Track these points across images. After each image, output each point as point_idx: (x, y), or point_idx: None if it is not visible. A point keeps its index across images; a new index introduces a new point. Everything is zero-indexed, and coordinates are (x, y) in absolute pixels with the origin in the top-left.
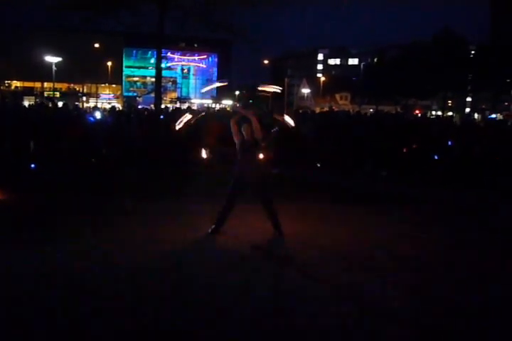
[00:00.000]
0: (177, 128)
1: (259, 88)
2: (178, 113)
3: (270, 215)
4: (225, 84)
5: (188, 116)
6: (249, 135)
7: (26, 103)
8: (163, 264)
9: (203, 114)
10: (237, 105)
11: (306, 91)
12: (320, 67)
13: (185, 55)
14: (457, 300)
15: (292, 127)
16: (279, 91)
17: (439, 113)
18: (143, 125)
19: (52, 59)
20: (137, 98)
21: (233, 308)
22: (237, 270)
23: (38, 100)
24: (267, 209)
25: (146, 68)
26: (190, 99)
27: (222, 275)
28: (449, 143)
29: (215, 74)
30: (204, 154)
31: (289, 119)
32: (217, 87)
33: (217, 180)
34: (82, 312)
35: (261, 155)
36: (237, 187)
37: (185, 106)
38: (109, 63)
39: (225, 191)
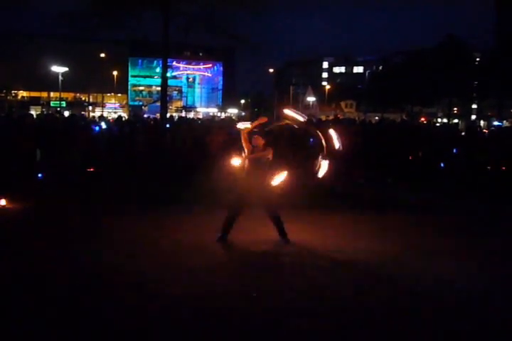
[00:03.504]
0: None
1: (285, 112)
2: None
3: (276, 223)
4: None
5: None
6: (258, 146)
7: (33, 112)
8: (170, 272)
9: None
10: (243, 114)
11: (311, 99)
12: (325, 75)
13: (190, 64)
14: (463, 307)
15: (339, 149)
16: (302, 120)
17: (445, 120)
18: (148, 134)
19: (58, 69)
20: (143, 107)
21: (238, 314)
22: (243, 277)
23: (44, 110)
24: (273, 217)
25: (152, 77)
26: (195, 107)
27: (229, 282)
28: (454, 150)
29: (221, 82)
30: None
31: (336, 140)
32: (223, 96)
33: (222, 188)
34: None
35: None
36: (242, 195)
37: (190, 115)
38: (115, 72)
39: (230, 199)
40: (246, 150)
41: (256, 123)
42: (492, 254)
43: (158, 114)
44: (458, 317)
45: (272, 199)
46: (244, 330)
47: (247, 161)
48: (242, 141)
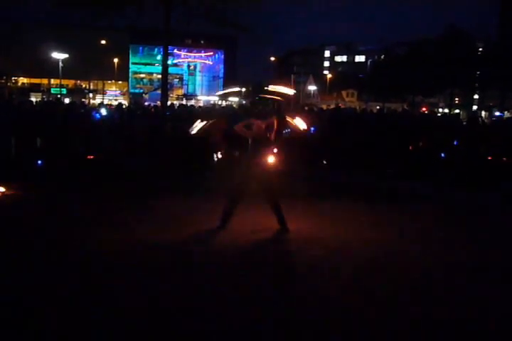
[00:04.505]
0: (192, 133)
1: (270, 88)
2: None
3: (276, 210)
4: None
5: (200, 123)
6: (259, 132)
7: (33, 99)
8: (169, 261)
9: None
10: (244, 102)
11: (312, 88)
12: (326, 64)
13: (191, 52)
14: (460, 300)
15: (304, 129)
16: (291, 93)
17: (446, 110)
18: (148, 121)
19: (58, 55)
20: (143, 95)
21: (236, 304)
22: (242, 266)
23: (44, 97)
24: (273, 204)
25: (153, 65)
26: (196, 95)
27: (228, 271)
28: (455, 142)
29: (222, 70)
30: (216, 156)
31: (300, 122)
32: (224, 85)
33: (222, 176)
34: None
35: (269, 153)
36: (242, 183)
37: (191, 102)
38: (116, 60)
39: (229, 187)
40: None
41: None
42: (491, 246)
43: (159, 102)
44: (458, 309)
45: (272, 187)
46: (242, 319)
47: (247, 145)
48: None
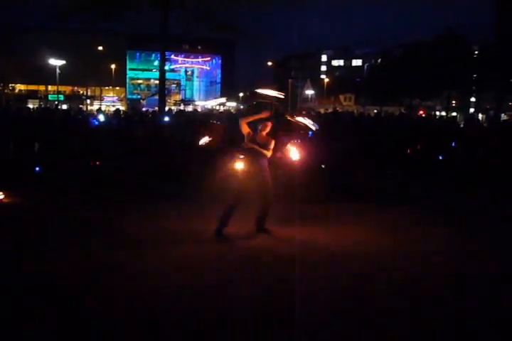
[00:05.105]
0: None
1: (259, 91)
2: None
3: (262, 210)
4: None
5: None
6: (262, 134)
7: (31, 106)
8: (169, 263)
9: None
10: (242, 107)
11: (310, 92)
12: (324, 68)
13: (188, 57)
14: (460, 300)
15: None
16: (281, 96)
17: (443, 113)
18: (146, 126)
19: (56, 62)
20: (141, 100)
21: (234, 309)
22: (240, 270)
23: (41, 103)
24: (264, 206)
25: (150, 70)
26: (194, 101)
27: (225, 276)
28: (453, 144)
29: (219, 76)
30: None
31: (305, 121)
32: (222, 89)
33: (219, 182)
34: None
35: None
36: (241, 186)
37: (189, 108)
38: (113, 66)
39: (226, 192)
40: (245, 138)
41: (257, 116)
42: (491, 246)
43: (156, 108)
44: (457, 309)
45: (270, 190)
46: (241, 321)
47: (247, 147)
48: (242, 129)
